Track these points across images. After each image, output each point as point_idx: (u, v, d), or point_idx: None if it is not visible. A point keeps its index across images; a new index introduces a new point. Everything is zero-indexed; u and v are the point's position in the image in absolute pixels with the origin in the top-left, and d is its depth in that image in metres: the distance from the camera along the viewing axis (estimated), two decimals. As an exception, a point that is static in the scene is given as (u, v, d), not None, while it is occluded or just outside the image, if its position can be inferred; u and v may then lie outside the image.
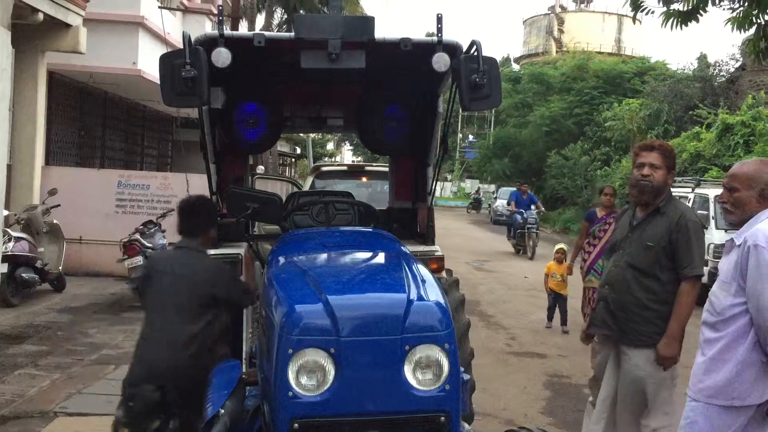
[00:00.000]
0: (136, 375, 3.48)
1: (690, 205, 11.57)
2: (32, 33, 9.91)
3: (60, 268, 9.41)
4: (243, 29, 18.68)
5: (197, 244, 3.78)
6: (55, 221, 9.48)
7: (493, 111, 41.51)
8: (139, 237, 8.97)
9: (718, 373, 3.02)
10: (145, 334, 3.59)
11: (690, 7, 6.96)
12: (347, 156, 66.07)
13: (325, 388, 2.55)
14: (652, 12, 7.26)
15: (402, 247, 3.62)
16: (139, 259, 8.63)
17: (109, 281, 10.40)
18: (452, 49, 3.73)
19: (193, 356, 3.44)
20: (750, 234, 2.98)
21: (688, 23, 7.04)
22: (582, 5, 62.40)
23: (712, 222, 11.72)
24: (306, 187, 9.09)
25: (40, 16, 9.49)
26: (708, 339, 3.11)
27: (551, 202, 32.60)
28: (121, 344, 7.09)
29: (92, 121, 14.68)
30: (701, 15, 6.99)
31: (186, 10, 15.89)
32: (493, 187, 42.43)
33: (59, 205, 9.49)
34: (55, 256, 9.38)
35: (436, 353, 2.63)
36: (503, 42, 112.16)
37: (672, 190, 3.97)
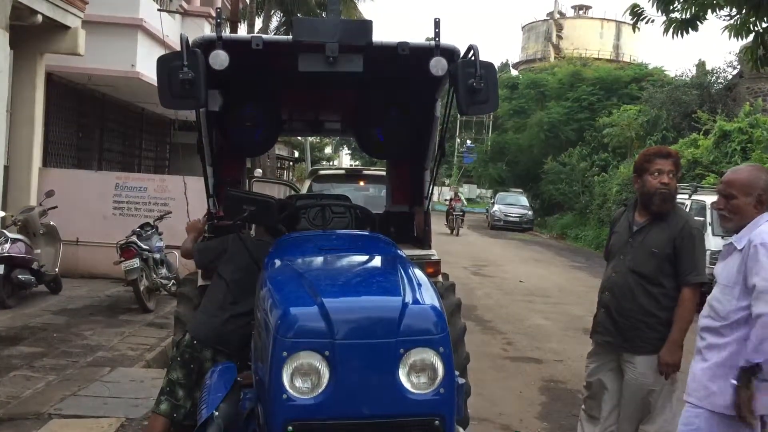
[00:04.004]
0: None
1: (687, 211, 11.58)
2: (31, 35, 9.89)
3: (56, 270, 9.37)
4: (242, 33, 18.70)
5: None
6: (51, 223, 9.45)
7: (491, 116, 41.56)
8: (135, 239, 8.92)
9: (726, 380, 2.97)
10: None
11: (690, 16, 6.98)
12: (345, 160, 66.09)
13: (320, 390, 2.55)
14: (653, 21, 7.27)
15: (398, 251, 3.62)
16: (135, 262, 8.60)
17: (106, 283, 10.36)
18: (450, 53, 3.73)
19: None
20: (755, 234, 2.98)
21: (688, 31, 7.05)
22: (581, 12, 62.58)
23: (709, 228, 11.73)
24: (304, 191, 9.11)
25: (39, 17, 9.48)
26: (712, 344, 3.07)
27: (548, 207, 32.72)
28: (117, 346, 7.07)
29: (90, 123, 14.64)
30: (700, 23, 7.01)
31: (185, 13, 15.87)
32: (490, 192, 42.47)
33: (56, 207, 9.45)
34: (51, 257, 9.34)
35: (431, 357, 2.63)
36: (502, 48, 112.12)
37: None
